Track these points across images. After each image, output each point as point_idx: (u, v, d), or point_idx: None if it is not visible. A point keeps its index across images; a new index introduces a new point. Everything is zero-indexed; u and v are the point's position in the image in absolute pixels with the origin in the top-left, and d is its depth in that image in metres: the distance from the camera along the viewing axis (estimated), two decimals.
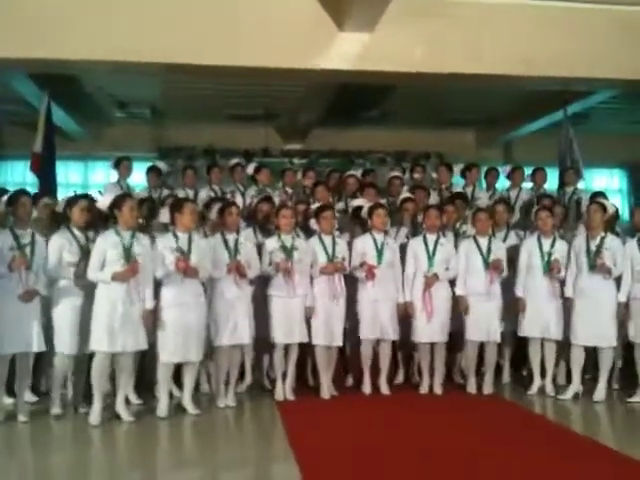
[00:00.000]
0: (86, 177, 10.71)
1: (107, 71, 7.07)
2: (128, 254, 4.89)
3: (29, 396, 5.36)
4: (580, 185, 8.42)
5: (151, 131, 10.29)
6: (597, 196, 6.40)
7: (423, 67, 6.39)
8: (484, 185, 7.82)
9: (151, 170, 7.32)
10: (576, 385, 5.71)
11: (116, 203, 5.02)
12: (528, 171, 7.63)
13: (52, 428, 4.92)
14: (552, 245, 5.80)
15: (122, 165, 7.23)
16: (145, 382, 5.53)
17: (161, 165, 7.52)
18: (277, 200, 6.48)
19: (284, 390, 5.57)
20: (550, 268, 5.71)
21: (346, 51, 6.24)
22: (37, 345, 4.93)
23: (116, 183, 7.18)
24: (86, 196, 5.44)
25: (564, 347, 5.85)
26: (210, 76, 7.41)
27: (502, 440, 4.57)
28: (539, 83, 7.16)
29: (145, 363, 5.41)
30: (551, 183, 7.83)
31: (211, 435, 4.86)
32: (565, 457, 4.22)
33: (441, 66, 6.43)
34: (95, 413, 4.89)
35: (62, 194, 7.03)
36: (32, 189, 7.41)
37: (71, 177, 10.51)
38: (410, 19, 6.19)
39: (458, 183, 7.51)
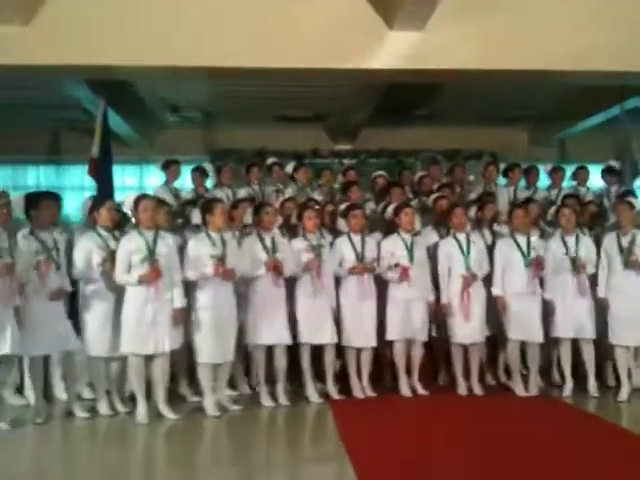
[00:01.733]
0: (141, 180, 10.95)
1: (160, 76, 7.21)
2: (151, 255, 4.92)
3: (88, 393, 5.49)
4: (638, 182, 8.22)
5: (203, 134, 10.45)
6: (625, 195, 6.44)
7: (474, 64, 6.31)
8: None
9: (195, 170, 7.43)
10: (626, 385, 5.57)
11: (134, 205, 5.06)
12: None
13: (103, 426, 5.03)
14: (577, 243, 5.69)
15: (170, 168, 7.33)
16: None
17: (206, 166, 7.60)
18: (319, 199, 6.52)
19: (330, 389, 5.56)
20: (533, 264, 5.57)
21: (396, 50, 6.20)
22: (69, 344, 4.99)
23: (164, 186, 7.29)
24: (110, 198, 5.51)
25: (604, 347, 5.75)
26: (260, 78, 7.47)
27: (559, 441, 4.47)
28: (594, 78, 6.97)
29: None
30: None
31: (261, 433, 4.94)
32: (622, 458, 4.12)
33: (493, 63, 6.33)
34: (141, 413, 4.97)
35: (119, 197, 7.19)
36: (90, 193, 7.65)
37: (127, 180, 10.77)
38: (460, 16, 6.13)
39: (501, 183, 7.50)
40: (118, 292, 5.04)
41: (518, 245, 5.67)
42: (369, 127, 10.03)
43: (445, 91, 8.66)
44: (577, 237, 5.76)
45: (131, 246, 4.96)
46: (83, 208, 5.73)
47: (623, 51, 6.25)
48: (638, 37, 6.27)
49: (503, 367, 6.04)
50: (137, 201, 5.08)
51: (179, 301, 5.01)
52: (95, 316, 5.08)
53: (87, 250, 5.06)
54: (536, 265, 5.59)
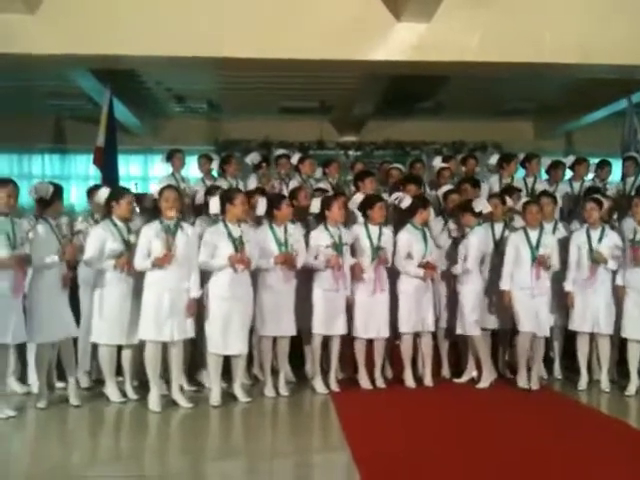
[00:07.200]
0: (146, 170, 10.96)
1: (165, 66, 7.21)
2: (171, 244, 4.97)
3: (85, 381, 5.55)
4: None
5: (208, 125, 10.44)
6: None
7: (481, 56, 6.29)
8: (544, 176, 7.68)
9: (203, 157, 7.45)
10: (635, 380, 5.57)
11: (158, 195, 5.14)
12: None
13: (110, 413, 5.05)
14: (601, 237, 5.66)
15: (175, 157, 7.33)
16: (195, 369, 5.66)
17: (212, 155, 7.62)
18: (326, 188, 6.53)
19: (328, 381, 5.56)
20: (538, 263, 5.55)
21: (403, 42, 6.20)
22: (72, 331, 5.04)
23: (170, 176, 7.29)
24: (128, 190, 5.50)
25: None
26: (266, 69, 7.46)
27: (560, 436, 4.47)
28: (599, 71, 6.95)
29: (196, 351, 5.52)
30: (615, 174, 7.62)
31: (264, 423, 4.94)
32: (627, 455, 4.11)
33: (499, 55, 6.31)
34: (154, 400, 5.01)
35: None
36: (95, 182, 7.67)
37: (132, 170, 10.77)
38: (467, 8, 6.11)
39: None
40: (133, 280, 5.09)
41: (528, 240, 5.66)
42: (374, 119, 10.01)
43: (451, 83, 8.63)
44: (602, 231, 5.72)
45: (152, 234, 5.01)
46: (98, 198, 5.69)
47: (630, 44, 6.23)
48: None
49: (504, 360, 6.05)
50: (161, 192, 5.14)
51: (195, 291, 5.07)
52: (106, 304, 5.11)
53: (101, 239, 5.09)
54: (539, 264, 5.57)
